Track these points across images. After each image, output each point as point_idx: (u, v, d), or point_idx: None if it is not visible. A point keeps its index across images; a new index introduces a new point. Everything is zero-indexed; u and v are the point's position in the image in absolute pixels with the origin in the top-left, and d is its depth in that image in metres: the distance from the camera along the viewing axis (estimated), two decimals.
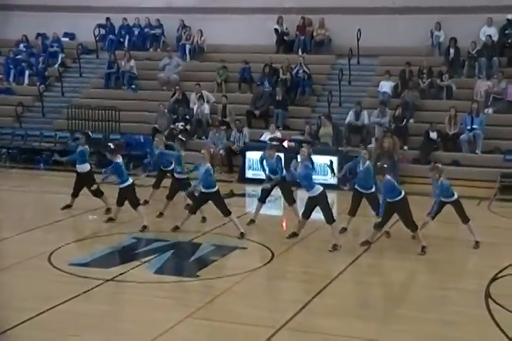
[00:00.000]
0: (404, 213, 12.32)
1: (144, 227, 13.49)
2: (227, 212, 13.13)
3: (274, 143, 15.30)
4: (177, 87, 22.62)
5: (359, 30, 22.73)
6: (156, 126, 21.26)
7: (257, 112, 21.51)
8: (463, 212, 12.74)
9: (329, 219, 12.46)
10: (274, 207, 15.73)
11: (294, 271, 11.49)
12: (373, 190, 13.15)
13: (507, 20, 22.55)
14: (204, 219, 14.18)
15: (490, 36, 22.09)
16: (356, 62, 23.17)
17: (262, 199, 14.13)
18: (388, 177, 12.27)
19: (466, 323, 9.26)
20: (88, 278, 10.65)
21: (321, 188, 12.41)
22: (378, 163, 13.73)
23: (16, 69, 25.02)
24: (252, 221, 14.09)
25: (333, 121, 20.36)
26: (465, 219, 12.80)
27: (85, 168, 14.86)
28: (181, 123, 21.32)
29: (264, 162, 13.98)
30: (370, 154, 13.71)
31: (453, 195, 12.66)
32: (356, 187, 13.33)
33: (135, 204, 13.70)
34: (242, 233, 13.08)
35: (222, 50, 24.53)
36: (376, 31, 22.80)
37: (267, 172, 13.94)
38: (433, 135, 19.52)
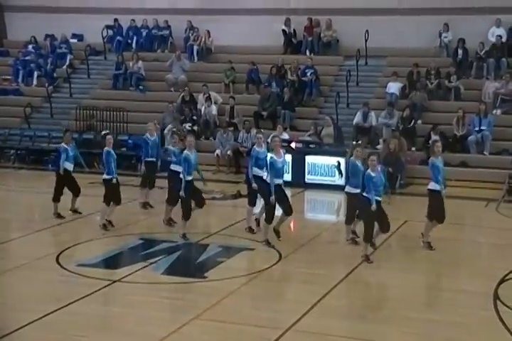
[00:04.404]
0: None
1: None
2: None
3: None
4: (185, 88, 22.65)
5: (367, 31, 22.73)
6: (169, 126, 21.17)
7: (264, 113, 21.51)
8: None
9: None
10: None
11: (301, 272, 11.46)
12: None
13: None
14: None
15: (500, 36, 22.05)
16: (364, 63, 23.15)
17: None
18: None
19: (474, 325, 9.23)
20: (96, 278, 10.67)
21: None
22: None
23: (25, 70, 25.10)
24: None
25: (339, 122, 20.38)
26: None
27: (66, 166, 14.59)
28: (189, 124, 21.36)
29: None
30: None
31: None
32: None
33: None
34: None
35: (230, 51, 24.55)
36: (384, 32, 22.81)
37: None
38: (435, 138, 19.33)
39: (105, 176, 13.67)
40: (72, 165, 14.70)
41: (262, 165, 12.76)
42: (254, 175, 12.82)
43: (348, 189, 12.62)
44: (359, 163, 12.36)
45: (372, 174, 11.56)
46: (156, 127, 15.53)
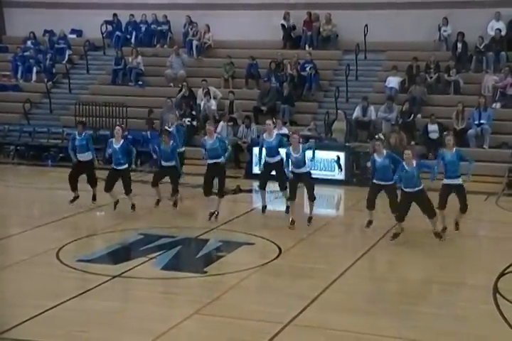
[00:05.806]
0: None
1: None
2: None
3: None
4: (184, 83, 22.61)
5: (366, 25, 22.68)
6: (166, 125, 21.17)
7: (263, 108, 21.48)
8: None
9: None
10: (282, 202, 15.58)
11: (302, 266, 11.47)
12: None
13: None
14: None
15: (499, 30, 22.01)
16: (363, 57, 23.12)
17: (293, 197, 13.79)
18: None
19: (474, 319, 9.24)
20: (96, 274, 10.68)
21: None
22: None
23: (24, 66, 25.05)
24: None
25: (338, 116, 20.33)
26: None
27: (88, 156, 14.89)
28: (188, 119, 21.29)
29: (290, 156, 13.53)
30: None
31: None
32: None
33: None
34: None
35: (229, 45, 24.50)
36: (383, 26, 22.78)
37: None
38: (433, 128, 19.31)
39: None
40: (83, 156, 14.87)
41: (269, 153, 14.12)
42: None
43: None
44: (379, 158, 12.79)
45: (406, 167, 12.26)
46: (176, 118, 16.16)
